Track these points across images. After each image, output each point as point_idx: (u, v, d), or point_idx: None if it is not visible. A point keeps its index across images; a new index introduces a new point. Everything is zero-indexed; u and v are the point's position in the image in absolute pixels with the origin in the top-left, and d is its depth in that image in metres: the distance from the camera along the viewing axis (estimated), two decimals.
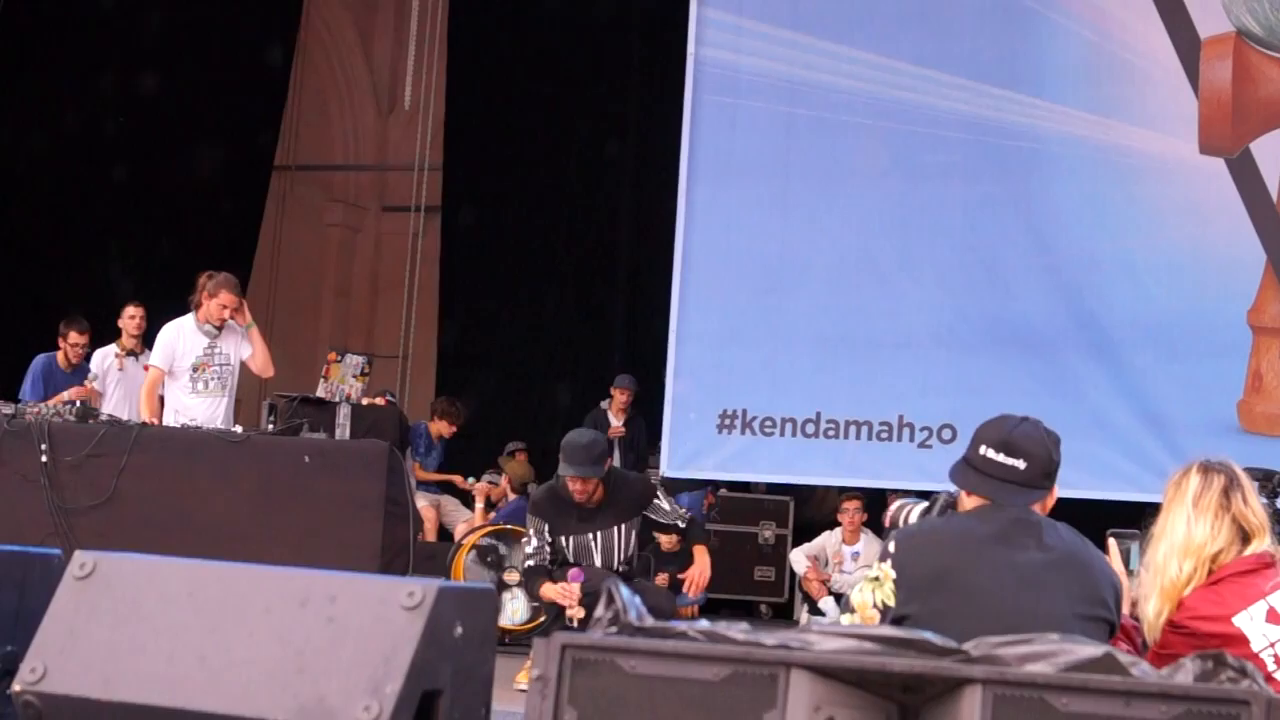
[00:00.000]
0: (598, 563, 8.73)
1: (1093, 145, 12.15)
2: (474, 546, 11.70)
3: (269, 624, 3.83)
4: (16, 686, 3.92)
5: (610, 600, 3.62)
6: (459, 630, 3.81)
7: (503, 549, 11.79)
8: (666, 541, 13.18)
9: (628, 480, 9.08)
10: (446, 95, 17.36)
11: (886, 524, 5.23)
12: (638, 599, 3.64)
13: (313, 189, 20.57)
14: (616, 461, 14.22)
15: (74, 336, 12.54)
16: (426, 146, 17.62)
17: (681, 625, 3.56)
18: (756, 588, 14.48)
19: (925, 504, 5.09)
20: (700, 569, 8.87)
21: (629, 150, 16.48)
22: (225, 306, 10.65)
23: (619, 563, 8.80)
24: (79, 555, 4.06)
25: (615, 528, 8.78)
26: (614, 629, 3.60)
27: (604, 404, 14.64)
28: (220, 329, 10.71)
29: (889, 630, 3.58)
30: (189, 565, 4.03)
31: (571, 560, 8.78)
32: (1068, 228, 12.22)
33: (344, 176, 21.22)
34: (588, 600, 8.40)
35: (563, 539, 8.78)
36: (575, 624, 8.40)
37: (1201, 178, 11.96)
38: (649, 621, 3.59)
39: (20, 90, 15.70)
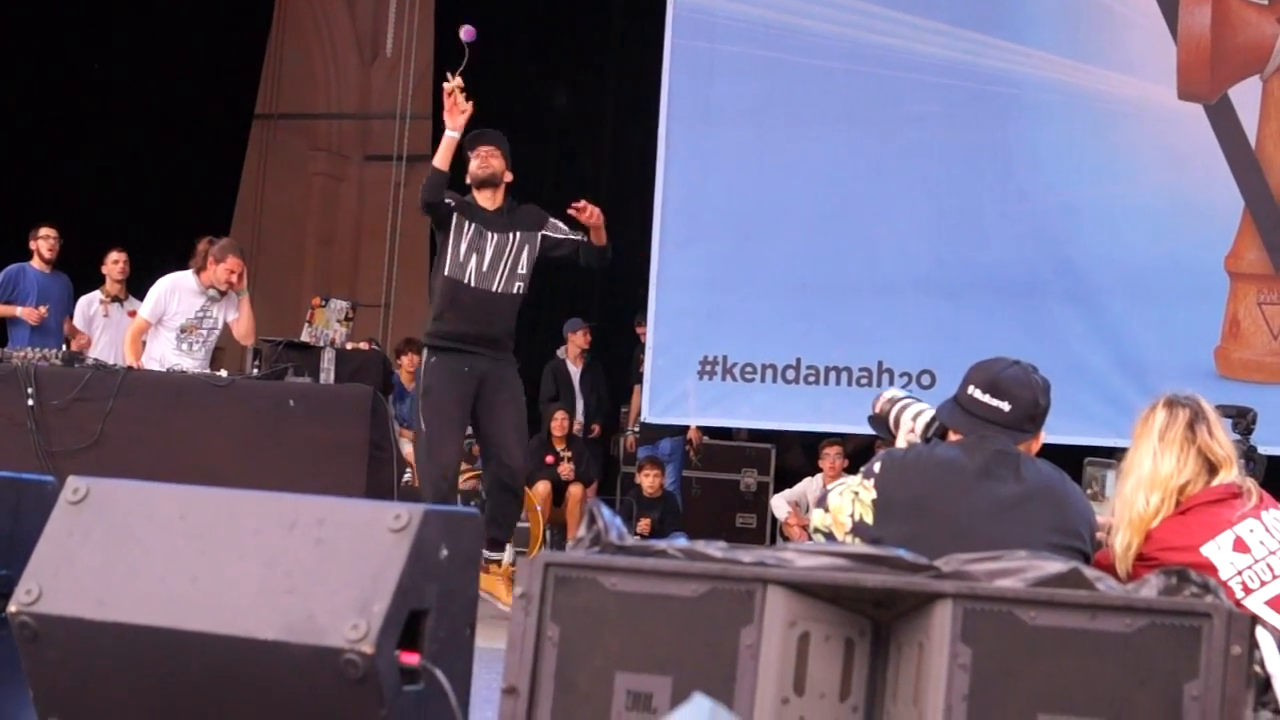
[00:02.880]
0: (485, 264, 8.83)
1: (1071, 91, 12.20)
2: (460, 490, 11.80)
3: (258, 546, 3.91)
4: (12, 608, 3.99)
5: (592, 520, 3.72)
6: (444, 553, 3.89)
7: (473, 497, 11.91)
8: (648, 486, 13.28)
9: (526, 205, 9.21)
10: (435, 43, 17.37)
11: (877, 410, 5.30)
12: (618, 520, 3.74)
13: (295, 138, 20.58)
14: (581, 408, 14.29)
15: (43, 230, 12.56)
16: (409, 95, 17.64)
17: (661, 544, 3.65)
18: (738, 534, 14.57)
19: (923, 407, 5.15)
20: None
21: (609, 96, 16.51)
22: (233, 271, 10.72)
23: (505, 274, 8.87)
24: (72, 480, 4.14)
25: (511, 234, 8.87)
26: (595, 548, 3.69)
27: (560, 352, 14.65)
28: (223, 294, 10.80)
29: (862, 548, 3.68)
30: (179, 490, 4.11)
31: (460, 253, 8.86)
32: (1045, 173, 12.28)
33: (326, 125, 21.23)
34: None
35: (466, 224, 8.87)
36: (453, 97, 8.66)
37: (1180, 123, 12.02)
38: (629, 540, 3.69)
39: (1, 30, 15.72)
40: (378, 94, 20.44)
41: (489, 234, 8.80)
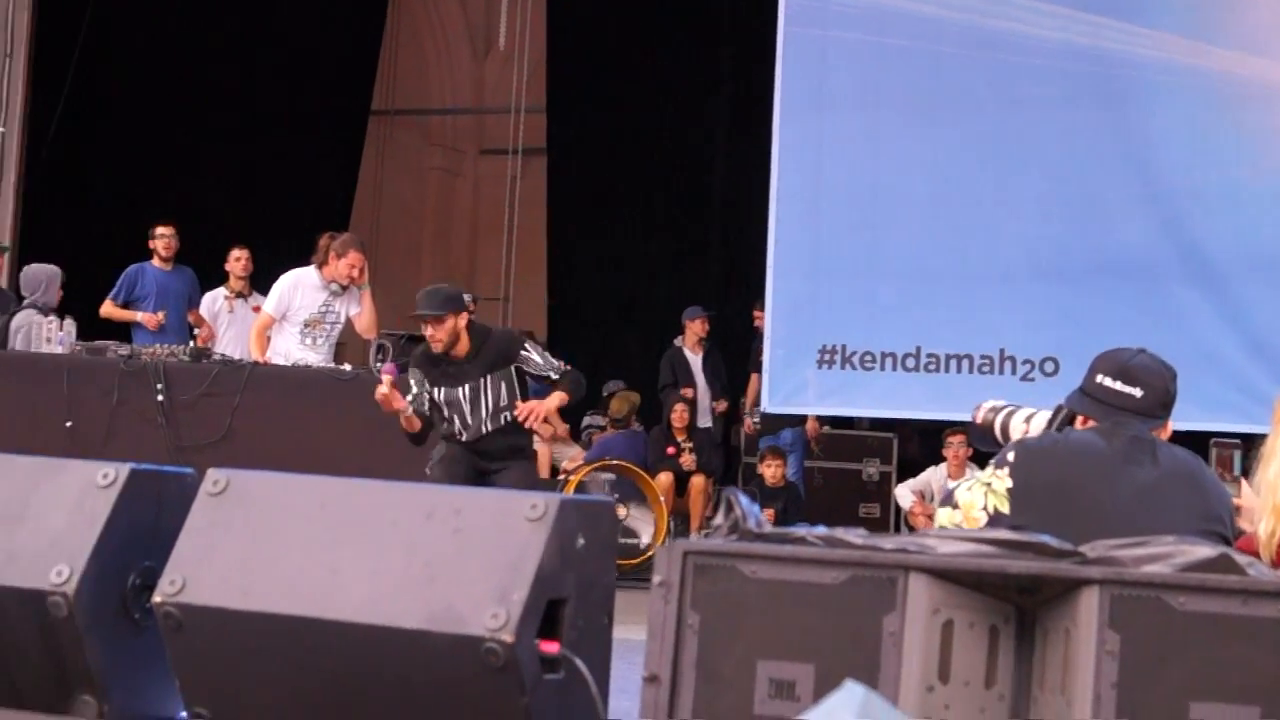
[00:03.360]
0: (467, 417, 8.77)
1: (1194, 72, 12.03)
2: (579, 483, 11.84)
3: (397, 536, 3.94)
4: (157, 598, 4.04)
5: (729, 508, 3.71)
6: (581, 541, 3.90)
7: (606, 486, 11.95)
8: (770, 476, 13.25)
9: (494, 334, 9.10)
10: (547, 36, 17.39)
11: (978, 421, 5.26)
12: (756, 507, 3.72)
13: (411, 133, 20.68)
14: (704, 391, 14.25)
15: (160, 229, 12.67)
16: (523, 88, 17.67)
17: (801, 530, 3.64)
18: (862, 525, 14.45)
19: (1031, 410, 5.11)
20: (541, 401, 8.86)
21: (725, 86, 16.47)
22: (354, 266, 10.81)
23: (489, 416, 8.80)
24: (212, 473, 4.19)
25: (482, 380, 8.80)
26: (733, 535, 3.68)
27: (677, 341, 14.61)
28: (345, 289, 10.89)
29: (1006, 533, 3.65)
30: (318, 481, 4.14)
31: (444, 415, 8.83)
32: (1168, 156, 12.12)
33: (441, 120, 21.31)
34: None
35: (437, 391, 8.84)
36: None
37: None
38: (768, 528, 3.67)
39: (121, 37, 15.88)
40: (491, 87, 20.49)
41: (460, 389, 8.81)
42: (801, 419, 14.04)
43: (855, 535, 3.60)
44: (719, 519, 3.72)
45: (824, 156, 12.83)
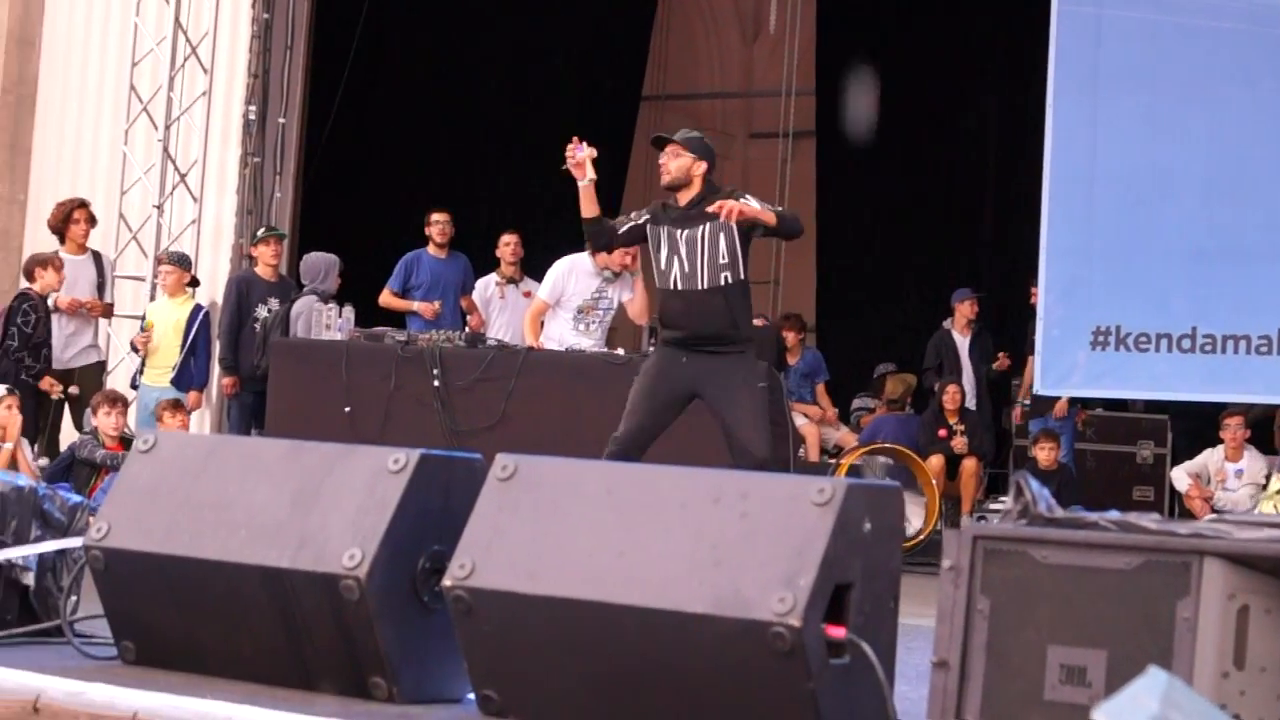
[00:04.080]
0: (684, 262, 8.44)
1: None
2: (852, 465, 11.82)
3: (684, 520, 3.97)
4: (447, 582, 4.11)
5: (1019, 493, 3.68)
6: (867, 526, 3.89)
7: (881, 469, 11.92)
8: (1044, 459, 13.06)
9: (724, 190, 8.75)
10: (817, 19, 17.36)
11: None
12: (1046, 491, 3.69)
13: (681, 118, 20.70)
14: (970, 380, 14.08)
15: (435, 215, 12.85)
16: (793, 71, 17.64)
17: (1093, 515, 3.60)
18: (1135, 508, 14.21)
19: None
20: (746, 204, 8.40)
21: (997, 66, 16.31)
22: (627, 252, 10.89)
23: (706, 268, 8.43)
24: (501, 458, 4.25)
25: (701, 227, 8.39)
26: (1024, 520, 3.65)
27: (946, 323, 14.47)
28: (618, 275, 10.98)
29: None
30: (604, 466, 4.20)
31: (663, 260, 8.55)
32: None
33: (710, 104, 21.33)
34: None
35: (661, 230, 8.57)
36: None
37: None
38: (1059, 513, 3.64)
39: (397, 28, 16.16)
40: (760, 71, 20.47)
41: (680, 233, 8.54)
42: (1071, 401, 13.86)
43: (1149, 519, 3.55)
44: (1009, 502, 3.69)
45: (1098, 135, 12.66)
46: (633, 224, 8.65)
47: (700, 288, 8.42)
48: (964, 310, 14.26)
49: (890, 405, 14.41)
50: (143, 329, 12.25)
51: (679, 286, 8.44)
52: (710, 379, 8.39)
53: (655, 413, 8.46)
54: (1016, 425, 14.65)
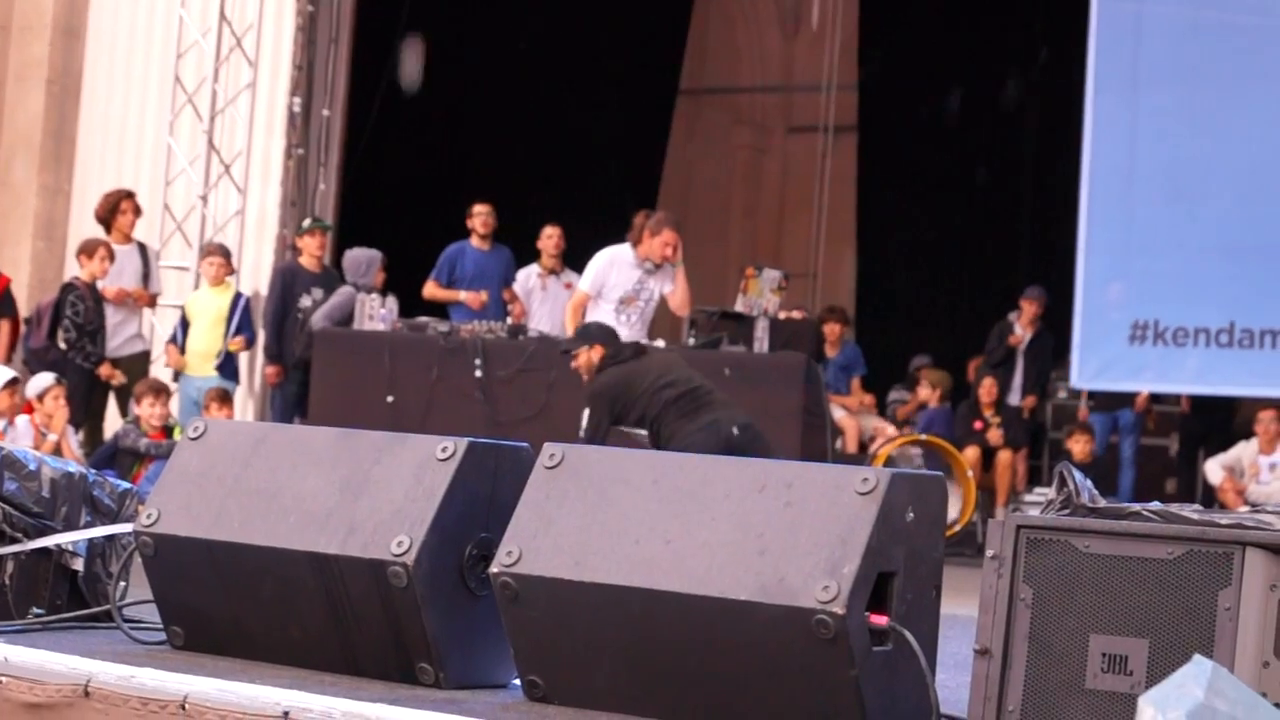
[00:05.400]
0: None
1: None
2: (889, 456, 11.84)
3: (729, 508, 4.00)
4: (494, 569, 4.15)
5: (1062, 483, 3.71)
6: (910, 515, 3.93)
7: (916, 459, 11.93)
8: (1079, 451, 13.06)
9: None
10: (860, 14, 17.38)
11: None
12: (1089, 482, 3.72)
13: (719, 112, 20.78)
14: (1020, 377, 14.09)
15: (478, 207, 12.89)
16: (834, 66, 17.68)
17: (1135, 506, 3.63)
18: (1167, 501, 14.20)
19: None
20: None
21: (1036, 62, 16.32)
22: (669, 244, 10.93)
23: None
24: (548, 446, 4.29)
25: None
26: (1066, 510, 3.69)
27: (1011, 316, 14.52)
28: (659, 267, 11.03)
29: None
30: (650, 455, 4.23)
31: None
32: None
33: (749, 98, 21.36)
34: None
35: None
36: None
37: None
38: (1101, 503, 3.67)
39: (439, 22, 16.21)
40: (800, 66, 20.49)
41: None
42: (1120, 400, 13.85)
43: (1190, 510, 3.59)
44: (1052, 492, 3.73)
45: (1137, 131, 12.69)
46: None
47: None
48: (1027, 308, 14.30)
49: (940, 396, 14.46)
50: (178, 336, 12.29)
51: None
52: None
53: None
54: (1053, 417, 14.68)
